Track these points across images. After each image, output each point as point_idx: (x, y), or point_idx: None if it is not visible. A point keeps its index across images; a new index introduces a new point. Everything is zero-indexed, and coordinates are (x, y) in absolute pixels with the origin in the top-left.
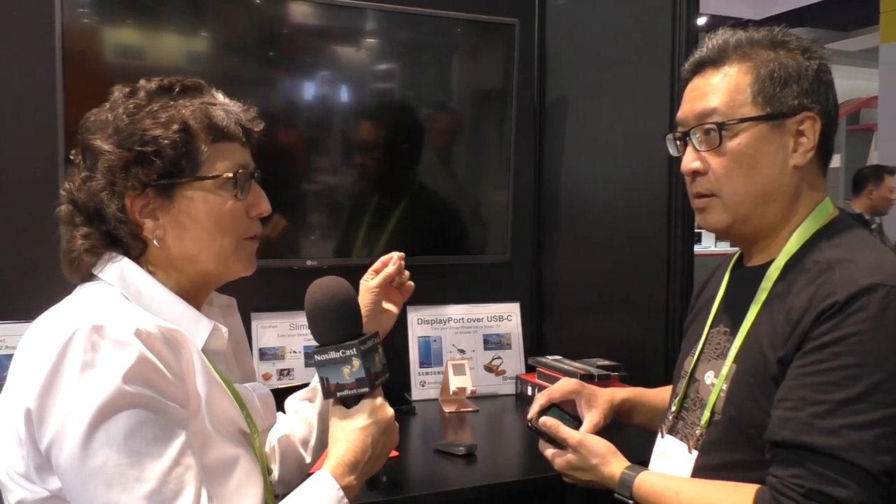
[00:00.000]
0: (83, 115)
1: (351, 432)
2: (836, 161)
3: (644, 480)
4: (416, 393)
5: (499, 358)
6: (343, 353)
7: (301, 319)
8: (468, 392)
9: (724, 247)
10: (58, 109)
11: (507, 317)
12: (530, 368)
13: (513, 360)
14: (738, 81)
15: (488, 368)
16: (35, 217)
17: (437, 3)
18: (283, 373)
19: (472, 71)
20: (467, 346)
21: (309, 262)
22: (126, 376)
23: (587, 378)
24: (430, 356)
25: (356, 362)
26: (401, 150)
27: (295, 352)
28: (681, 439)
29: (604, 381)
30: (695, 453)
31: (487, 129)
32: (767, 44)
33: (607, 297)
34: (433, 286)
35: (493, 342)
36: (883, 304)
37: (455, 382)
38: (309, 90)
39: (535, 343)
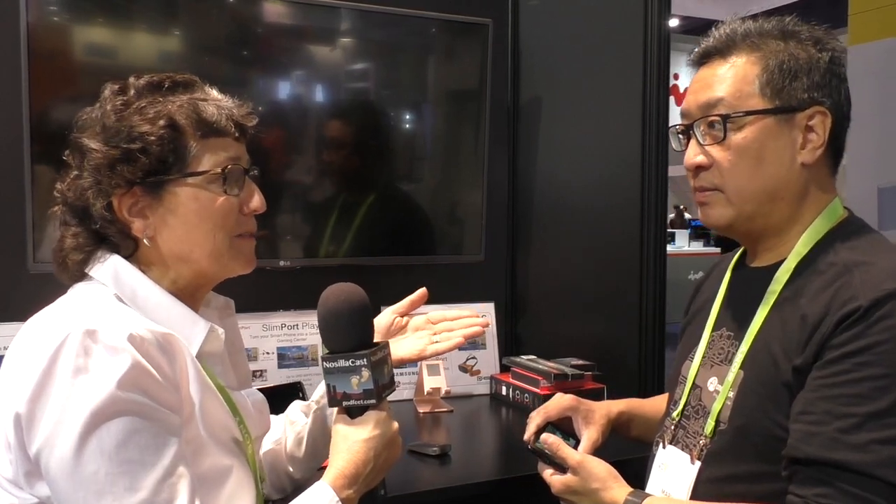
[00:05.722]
0: (50, 114)
1: (354, 443)
2: None
3: None
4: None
5: (473, 358)
6: (353, 362)
7: (274, 320)
8: (443, 392)
9: (698, 247)
10: (23, 110)
11: (481, 317)
12: (505, 368)
13: (487, 360)
14: (745, 72)
15: (463, 368)
16: None
17: (411, 3)
18: (255, 374)
19: (445, 71)
20: None
21: (282, 263)
22: (120, 382)
23: (561, 378)
24: None
25: (366, 373)
26: (375, 151)
27: (268, 353)
28: (682, 449)
29: (577, 381)
30: (697, 464)
31: (461, 129)
32: (777, 34)
33: (581, 297)
34: (407, 286)
35: (468, 342)
36: None
37: (429, 383)
38: (283, 90)
39: (510, 343)
